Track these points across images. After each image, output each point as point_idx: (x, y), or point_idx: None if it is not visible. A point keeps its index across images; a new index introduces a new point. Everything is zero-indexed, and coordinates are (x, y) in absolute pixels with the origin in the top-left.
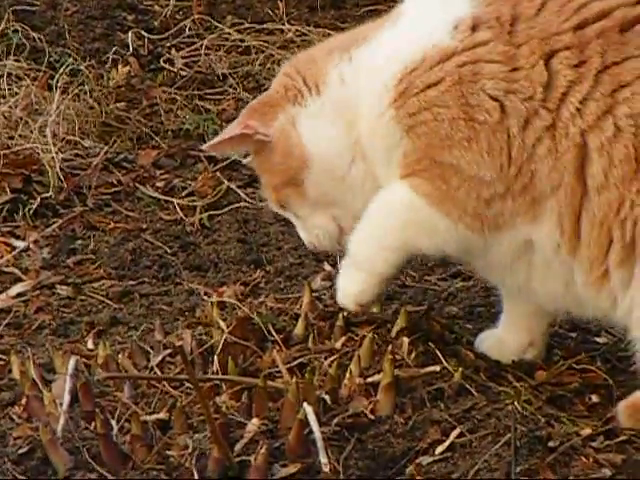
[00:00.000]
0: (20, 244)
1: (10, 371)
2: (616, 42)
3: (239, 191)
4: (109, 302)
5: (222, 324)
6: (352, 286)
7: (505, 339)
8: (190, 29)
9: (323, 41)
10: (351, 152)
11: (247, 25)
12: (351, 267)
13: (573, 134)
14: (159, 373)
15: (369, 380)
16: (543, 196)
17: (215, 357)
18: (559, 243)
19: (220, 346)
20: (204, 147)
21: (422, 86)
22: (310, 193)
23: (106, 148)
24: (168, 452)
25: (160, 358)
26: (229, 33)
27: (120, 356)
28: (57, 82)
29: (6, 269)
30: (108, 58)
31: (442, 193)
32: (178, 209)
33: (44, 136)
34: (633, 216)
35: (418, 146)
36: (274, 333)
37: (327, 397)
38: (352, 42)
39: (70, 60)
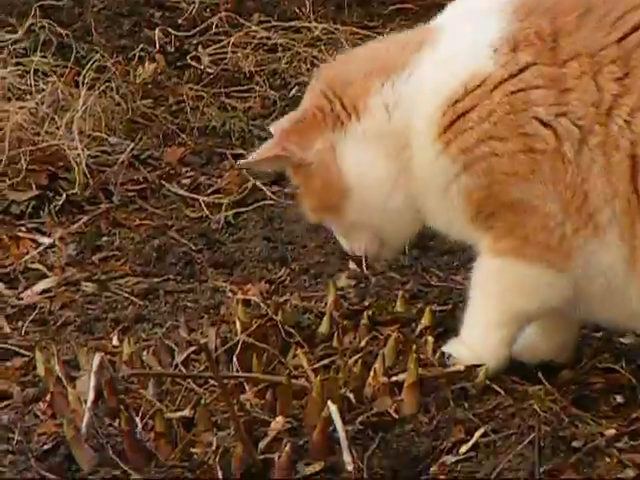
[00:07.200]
0: (46, 240)
1: (35, 367)
2: None
3: (265, 189)
4: (134, 299)
5: (246, 322)
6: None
7: (537, 343)
8: (217, 26)
9: (352, 53)
10: (390, 183)
11: (274, 23)
12: (467, 351)
13: (624, 147)
14: (184, 370)
15: (394, 379)
16: (598, 210)
17: (239, 355)
18: (625, 256)
19: (241, 344)
20: (238, 164)
21: (475, 119)
22: (349, 218)
23: (132, 145)
24: (192, 449)
25: (185, 355)
26: (256, 31)
27: (145, 353)
28: (84, 78)
29: (32, 265)
30: (135, 55)
31: (521, 239)
32: (204, 206)
33: (70, 133)
34: None
35: (482, 183)
36: (297, 332)
37: (351, 396)
38: (391, 67)
39: (97, 56)
